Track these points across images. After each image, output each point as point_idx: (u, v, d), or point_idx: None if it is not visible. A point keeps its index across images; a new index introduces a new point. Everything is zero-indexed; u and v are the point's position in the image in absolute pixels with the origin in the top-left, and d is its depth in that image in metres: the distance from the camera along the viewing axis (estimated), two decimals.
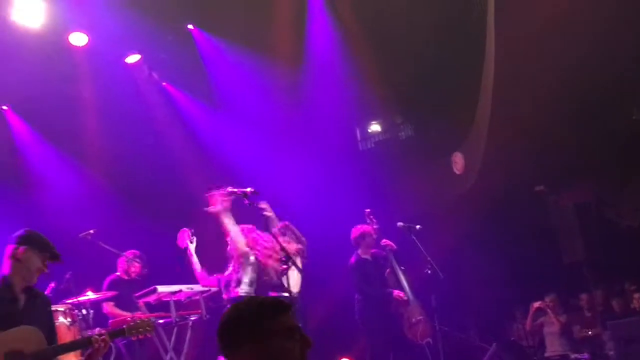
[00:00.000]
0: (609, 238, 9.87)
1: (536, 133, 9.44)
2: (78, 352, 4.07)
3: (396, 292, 7.72)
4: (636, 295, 8.90)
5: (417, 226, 7.62)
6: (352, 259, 7.74)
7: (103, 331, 4.35)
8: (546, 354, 9.12)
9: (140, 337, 4.18)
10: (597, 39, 8.17)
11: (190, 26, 9.33)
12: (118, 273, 7.93)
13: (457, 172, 10.54)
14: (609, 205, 10.21)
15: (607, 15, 7.99)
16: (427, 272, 7.48)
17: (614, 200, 10.24)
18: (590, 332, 9.09)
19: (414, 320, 7.74)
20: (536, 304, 9.29)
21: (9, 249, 3.99)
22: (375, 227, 7.91)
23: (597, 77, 8.87)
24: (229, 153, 9.60)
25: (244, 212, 5.90)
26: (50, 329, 4.06)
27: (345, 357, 9.12)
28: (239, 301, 2.48)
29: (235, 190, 5.31)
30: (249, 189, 5.26)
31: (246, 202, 5.28)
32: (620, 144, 10.08)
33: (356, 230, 7.77)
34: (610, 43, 8.39)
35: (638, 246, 9.73)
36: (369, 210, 8.02)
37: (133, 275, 7.91)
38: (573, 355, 8.78)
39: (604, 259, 9.74)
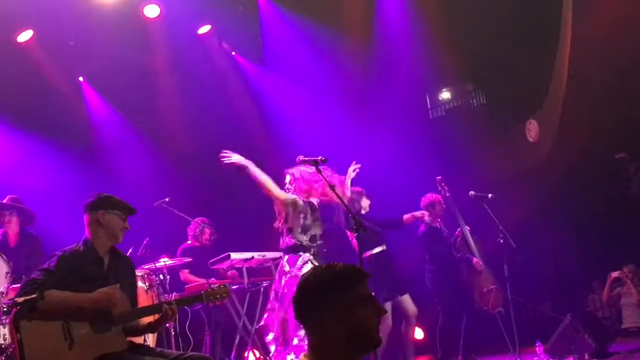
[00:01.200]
0: None
1: (616, 98, 9.08)
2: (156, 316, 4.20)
3: (475, 260, 7.67)
4: None
5: (489, 195, 7.53)
6: (422, 228, 7.69)
7: (172, 299, 4.47)
8: (623, 326, 8.87)
9: (217, 302, 4.28)
10: None
11: None
12: (189, 241, 8.12)
13: (532, 140, 10.29)
14: None
15: None
16: (499, 241, 7.40)
17: None
18: None
19: (485, 289, 7.68)
20: (614, 274, 9.04)
21: (87, 217, 4.12)
22: (447, 194, 7.84)
23: None
24: (300, 124, 9.63)
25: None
26: (133, 291, 4.20)
27: (417, 326, 9.13)
28: (316, 266, 2.52)
29: (307, 158, 5.32)
30: (320, 157, 5.26)
31: (317, 169, 5.28)
32: None
33: (425, 199, 7.71)
34: None
35: None
36: (440, 177, 7.95)
37: (204, 241, 8.09)
38: None
39: None
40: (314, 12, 9.39)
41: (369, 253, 6.78)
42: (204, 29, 9.42)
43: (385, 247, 7.05)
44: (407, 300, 7.04)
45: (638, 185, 9.52)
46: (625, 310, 8.95)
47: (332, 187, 5.16)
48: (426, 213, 7.51)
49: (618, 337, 8.19)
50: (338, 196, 5.15)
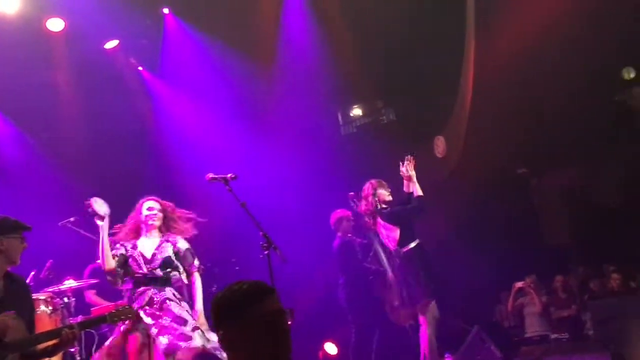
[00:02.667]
0: (590, 219, 9.95)
1: (518, 116, 9.47)
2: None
3: (390, 275, 7.76)
4: (615, 276, 9.02)
5: None
6: (335, 243, 7.75)
7: (75, 323, 4.33)
8: (526, 335, 9.22)
9: (122, 323, 4.16)
10: (579, 23, 8.21)
11: (165, 10, 9.26)
12: (99, 261, 7.85)
13: (439, 156, 10.57)
14: (591, 186, 10.29)
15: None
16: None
17: (596, 182, 10.32)
18: (565, 314, 9.21)
19: (396, 303, 7.77)
20: (518, 284, 9.40)
21: None
22: (358, 210, 7.91)
23: (579, 59, 8.90)
24: (208, 140, 9.54)
25: (226, 198, 5.87)
26: (30, 316, 4.02)
27: (330, 342, 9.16)
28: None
29: (216, 176, 5.28)
30: (229, 175, 5.22)
31: (227, 188, 5.25)
32: (602, 125, 10.14)
33: (335, 215, 7.78)
34: (593, 26, 8.42)
35: (618, 227, 9.83)
36: (352, 193, 8.02)
37: None
38: (553, 336, 8.89)
39: (585, 240, 9.83)
40: (220, 29, 9.35)
41: (406, 248, 6.72)
42: (111, 44, 9.20)
43: (419, 241, 6.91)
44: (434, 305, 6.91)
45: (539, 198, 9.93)
46: (528, 319, 9.31)
47: (243, 205, 5.13)
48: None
49: (522, 345, 8.48)
50: (249, 213, 5.11)
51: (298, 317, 7.04)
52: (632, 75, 10.58)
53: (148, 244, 5.58)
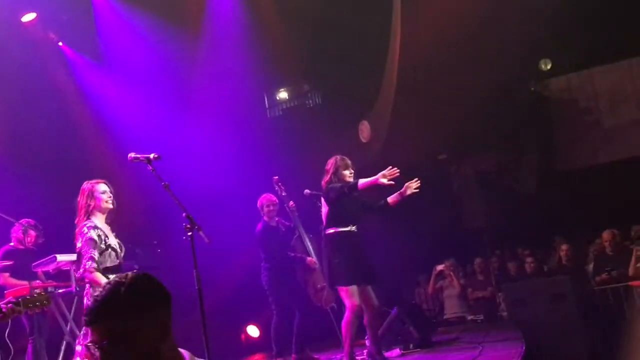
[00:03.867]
0: (507, 204, 10.30)
1: (440, 103, 9.67)
2: None
3: (309, 259, 7.80)
4: (529, 260, 9.38)
5: None
6: (258, 227, 7.74)
7: None
8: (445, 316, 9.51)
9: (36, 310, 4.02)
10: (497, 16, 8.44)
11: None
12: (12, 243, 7.59)
13: (364, 141, 10.69)
14: (508, 172, 10.64)
15: None
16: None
17: (512, 168, 10.68)
18: (481, 295, 9.54)
19: (319, 286, 7.85)
20: (439, 267, 9.66)
21: None
22: (283, 194, 7.92)
23: (497, 50, 9.17)
24: (130, 119, 9.32)
25: (148, 179, 5.77)
26: None
27: (252, 325, 9.19)
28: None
29: (138, 156, 5.14)
30: (152, 155, 5.10)
31: (149, 168, 5.13)
32: (519, 114, 10.50)
33: (261, 199, 7.77)
34: (510, 18, 8.68)
35: (533, 212, 10.24)
36: (277, 177, 8.02)
37: (28, 244, 7.58)
38: (469, 317, 9.20)
39: (502, 224, 10.18)
40: (148, 4, 9.14)
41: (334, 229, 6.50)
42: (29, 17, 8.84)
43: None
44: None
45: (458, 184, 10.19)
46: (447, 302, 9.60)
47: (166, 186, 5.03)
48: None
49: (440, 327, 8.74)
50: (172, 195, 5.03)
51: (221, 300, 7.04)
52: (549, 66, 11.01)
53: (107, 230, 5.31)
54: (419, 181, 6.53)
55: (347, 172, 6.58)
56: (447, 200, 10.35)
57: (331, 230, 6.54)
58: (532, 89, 11.10)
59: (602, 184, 10.18)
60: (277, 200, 7.79)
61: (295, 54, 10.47)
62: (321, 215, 7.29)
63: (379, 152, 10.34)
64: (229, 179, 9.21)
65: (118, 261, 5.17)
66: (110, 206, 5.27)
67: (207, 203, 7.42)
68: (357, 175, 9.54)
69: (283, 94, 12.12)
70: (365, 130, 10.69)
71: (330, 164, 6.65)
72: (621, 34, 10.43)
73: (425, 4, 8.92)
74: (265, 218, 7.70)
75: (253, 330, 8.80)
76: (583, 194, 10.18)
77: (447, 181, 10.89)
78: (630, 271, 8.56)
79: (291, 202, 7.89)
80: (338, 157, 6.72)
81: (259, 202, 7.77)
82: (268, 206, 7.72)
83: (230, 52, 9.84)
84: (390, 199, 6.66)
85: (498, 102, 9.88)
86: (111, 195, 5.30)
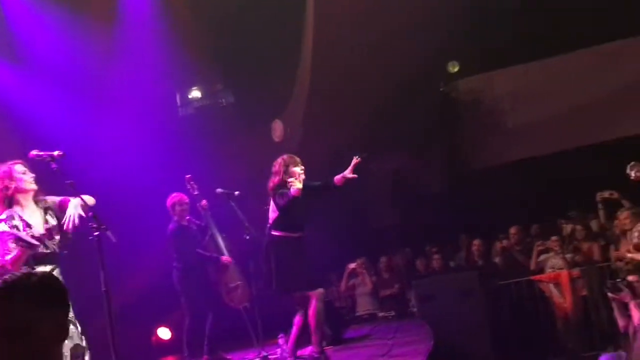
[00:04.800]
0: (416, 203, 10.55)
1: (351, 104, 9.80)
2: None
3: (224, 257, 7.73)
4: (436, 256, 9.65)
5: (236, 192, 7.63)
6: (170, 227, 7.62)
7: None
8: (357, 313, 9.65)
9: None
10: (407, 18, 8.64)
11: None
12: None
13: (277, 140, 10.70)
14: (417, 171, 10.90)
15: None
16: (245, 237, 7.54)
17: (421, 167, 10.95)
18: (389, 292, 9.74)
19: (232, 285, 7.81)
20: (351, 265, 9.78)
21: None
22: (195, 193, 7.81)
23: (407, 52, 9.38)
24: (37, 115, 8.96)
25: (51, 178, 5.56)
26: None
27: (163, 326, 9.03)
28: None
29: (41, 153, 4.93)
30: (56, 152, 4.91)
31: (54, 166, 4.93)
32: (428, 114, 10.79)
33: (171, 198, 7.65)
34: (420, 19, 8.90)
35: (441, 210, 10.54)
36: (189, 176, 7.90)
37: None
38: (381, 314, 9.37)
39: (410, 222, 10.42)
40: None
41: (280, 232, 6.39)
42: None
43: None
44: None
45: (368, 184, 10.33)
46: (360, 299, 9.75)
47: (71, 185, 4.85)
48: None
49: (352, 324, 8.85)
50: (76, 193, 4.86)
51: (131, 302, 6.88)
52: (456, 68, 11.39)
53: (34, 215, 4.92)
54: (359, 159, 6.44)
55: (297, 169, 6.47)
56: (358, 199, 10.48)
57: (277, 233, 6.47)
58: (441, 90, 11.44)
59: (505, 183, 10.59)
60: (187, 200, 7.69)
61: (209, 53, 10.36)
62: (236, 214, 7.27)
63: (291, 151, 10.35)
64: (140, 178, 9.01)
65: (48, 250, 4.80)
66: (34, 186, 4.94)
67: (118, 202, 7.22)
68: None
69: (196, 93, 11.96)
70: (278, 129, 10.70)
71: (278, 164, 6.53)
72: (522, 39, 10.90)
73: (338, 5, 9.01)
74: (176, 218, 7.59)
75: (164, 332, 8.65)
76: (488, 192, 10.56)
77: (358, 180, 11.03)
78: (532, 266, 8.95)
79: (204, 201, 7.80)
80: (285, 156, 6.62)
81: (168, 201, 7.65)
82: (179, 205, 7.61)
83: (143, 49, 9.63)
84: (336, 179, 6.54)
85: (408, 103, 10.11)
86: (32, 175, 4.97)
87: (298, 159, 6.60)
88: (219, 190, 7.59)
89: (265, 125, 10.85)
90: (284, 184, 6.37)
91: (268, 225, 6.59)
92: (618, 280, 6.16)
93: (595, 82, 10.76)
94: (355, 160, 6.47)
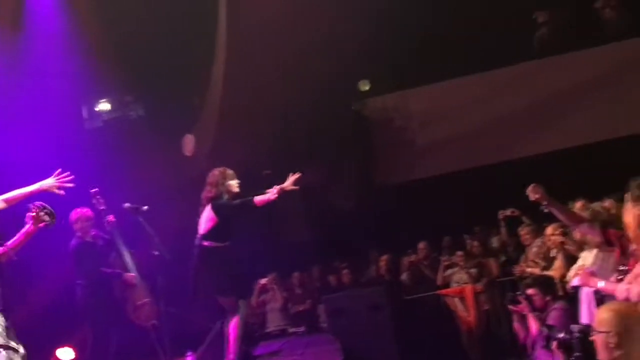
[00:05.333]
0: (328, 219, 10.65)
1: (264, 120, 9.83)
2: None
3: (127, 275, 7.55)
4: (345, 272, 9.76)
5: (144, 207, 7.48)
6: (72, 243, 7.38)
7: None
8: (267, 330, 9.62)
9: None
10: (319, 37, 8.76)
11: None
12: None
13: (188, 154, 10.59)
14: (329, 188, 11.01)
15: (328, 12, 8.60)
16: (154, 253, 7.40)
17: (333, 184, 11.07)
18: (301, 308, 9.78)
19: (139, 302, 7.63)
20: (262, 281, 9.76)
21: None
22: (102, 207, 7.60)
23: (319, 70, 9.51)
24: None
25: None
26: None
27: (66, 346, 8.69)
28: None
29: None
30: None
31: None
32: (340, 131, 10.94)
33: (74, 214, 7.41)
34: (332, 39, 9.05)
35: (352, 226, 10.68)
36: (95, 190, 7.68)
37: None
38: (291, 329, 9.38)
39: (322, 238, 10.50)
40: None
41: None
42: None
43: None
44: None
45: (282, 199, 10.33)
46: (270, 315, 9.73)
47: None
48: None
49: (262, 340, 8.81)
50: None
51: (30, 321, 6.59)
52: (368, 87, 11.64)
53: None
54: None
55: (234, 182, 6.65)
56: (270, 214, 10.48)
57: (211, 244, 6.57)
58: (352, 107, 11.63)
59: (414, 199, 10.85)
60: (91, 215, 7.47)
61: (119, 64, 10.15)
62: (144, 229, 7.12)
63: (203, 166, 10.27)
64: (43, 192, 8.67)
65: None
66: None
67: (21, 216, 6.92)
68: (181, 190, 9.47)
69: (104, 105, 11.67)
70: (189, 143, 10.59)
71: (215, 176, 6.69)
72: (432, 59, 11.26)
73: (253, 21, 9.03)
74: (79, 234, 7.36)
75: (66, 353, 8.33)
76: (397, 208, 10.79)
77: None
78: (439, 280, 9.19)
79: (111, 216, 7.60)
80: (221, 169, 6.77)
81: (70, 217, 7.40)
82: (83, 221, 7.38)
83: (48, 59, 9.34)
84: (257, 200, 6.63)
85: (320, 120, 10.23)
86: None
87: (233, 173, 6.76)
88: (126, 205, 7.41)
89: (176, 139, 10.71)
90: (220, 196, 6.55)
91: (199, 235, 6.70)
92: (517, 293, 6.41)
93: (503, 102, 11.19)
94: (293, 176, 6.86)
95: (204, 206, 6.73)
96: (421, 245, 9.67)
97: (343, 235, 10.60)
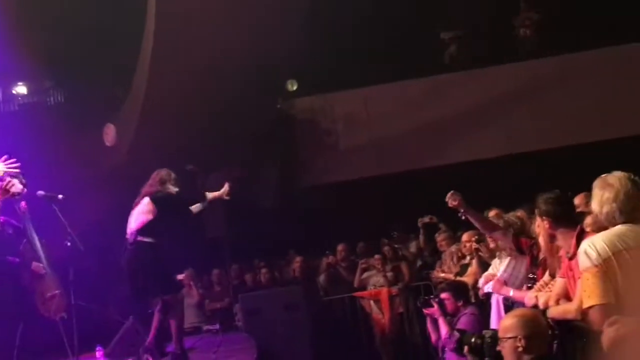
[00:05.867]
0: (247, 217, 10.60)
1: (186, 115, 9.71)
2: None
3: (34, 264, 7.27)
4: (263, 271, 9.74)
5: (60, 196, 7.24)
6: None
7: None
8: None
9: None
10: (247, 31, 8.72)
11: None
12: None
13: (108, 144, 10.34)
14: (250, 186, 10.97)
15: (255, 10, 8.58)
16: (66, 244, 7.17)
17: (254, 182, 11.03)
18: (218, 306, 9.72)
19: (48, 294, 7.37)
20: (179, 277, 9.61)
21: None
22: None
23: (248, 66, 9.46)
24: None
25: None
26: None
27: None
28: None
29: None
30: None
31: None
32: (265, 130, 10.92)
33: None
34: (261, 35, 9.02)
35: (271, 225, 10.68)
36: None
37: None
38: (205, 327, 9.28)
39: (242, 236, 10.44)
40: None
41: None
42: None
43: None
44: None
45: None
46: (185, 311, 9.55)
47: None
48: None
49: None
50: None
51: None
52: (295, 87, 11.68)
53: None
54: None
55: (173, 188, 6.67)
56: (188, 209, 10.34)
57: (146, 240, 6.48)
58: (279, 106, 11.63)
59: (335, 201, 10.94)
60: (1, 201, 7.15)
61: (40, 48, 9.79)
62: (58, 219, 6.89)
63: (123, 157, 10.05)
64: None
65: None
66: None
67: None
68: (98, 181, 9.23)
69: (21, 88, 11.24)
70: (110, 133, 10.33)
71: (161, 175, 6.70)
72: (359, 64, 11.42)
73: (181, 13, 8.89)
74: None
75: None
76: (318, 210, 10.85)
77: (192, 191, 10.91)
78: (356, 282, 9.30)
79: (23, 203, 7.30)
80: (168, 170, 6.79)
81: None
82: None
83: None
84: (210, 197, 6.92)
85: (246, 116, 10.17)
86: None
87: (177, 178, 6.81)
88: (40, 192, 7.15)
89: (97, 128, 10.43)
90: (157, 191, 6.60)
91: (134, 230, 6.59)
92: (430, 297, 6.55)
93: (424, 111, 11.42)
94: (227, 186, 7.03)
95: (139, 200, 6.64)
96: (340, 247, 9.75)
97: (263, 234, 10.58)
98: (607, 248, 3.17)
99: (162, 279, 6.55)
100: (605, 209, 3.31)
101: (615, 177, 3.37)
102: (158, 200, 6.57)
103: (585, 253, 3.22)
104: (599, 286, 3.12)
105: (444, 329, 6.00)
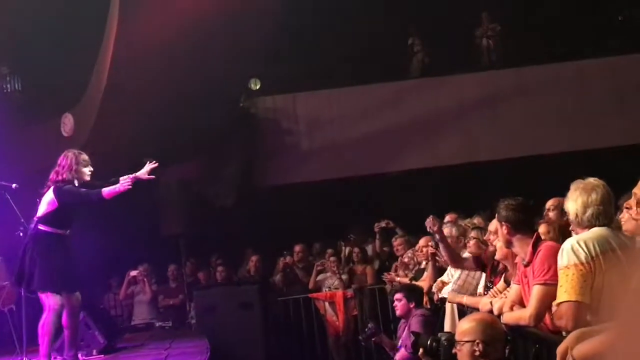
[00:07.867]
0: (205, 215, 10.53)
1: (147, 109, 9.59)
2: None
3: None
4: (220, 269, 9.67)
5: (14, 185, 7.08)
6: None
7: None
8: (133, 322, 9.38)
9: None
10: (211, 27, 8.67)
11: None
12: None
13: (65, 135, 10.14)
14: (208, 184, 10.89)
15: (223, 6, 8.54)
16: (19, 234, 7.01)
17: (213, 180, 10.96)
18: (172, 302, 9.64)
19: None
20: (132, 272, 9.52)
21: None
22: None
23: (211, 62, 9.39)
24: None
25: None
26: None
27: None
28: None
29: None
30: None
31: None
32: (225, 128, 10.85)
33: None
34: (226, 33, 8.97)
35: (229, 223, 10.62)
36: None
37: None
38: (158, 323, 9.18)
39: (199, 234, 10.36)
40: None
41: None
42: None
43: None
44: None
45: (159, 190, 10.12)
46: (137, 308, 9.49)
47: None
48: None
49: (127, 333, 8.56)
50: None
51: None
52: (258, 86, 11.65)
53: None
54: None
55: (86, 170, 6.21)
56: (146, 206, 10.21)
57: (46, 229, 6.11)
58: (241, 104, 11.57)
59: (294, 202, 10.93)
60: None
61: None
62: (11, 208, 6.72)
63: (81, 149, 9.85)
64: None
65: None
66: None
67: None
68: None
69: None
70: (68, 124, 10.13)
71: (67, 158, 6.18)
72: (324, 65, 11.45)
73: (145, 5, 8.78)
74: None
75: None
76: (277, 210, 10.83)
77: (148, 186, 10.78)
78: (311, 284, 9.32)
79: None
80: (75, 151, 6.30)
81: None
82: None
83: None
84: (106, 193, 6.14)
85: (208, 113, 10.09)
86: None
87: (87, 159, 6.32)
88: None
89: (54, 117, 10.22)
90: (69, 181, 6.10)
91: (35, 218, 6.23)
92: (371, 329, 6.71)
93: (386, 116, 11.48)
94: (150, 165, 6.40)
95: (48, 187, 6.29)
96: (297, 247, 9.75)
97: (221, 232, 10.52)
98: (597, 247, 3.20)
99: (56, 274, 6.06)
100: (590, 211, 3.34)
101: (598, 182, 3.42)
102: (59, 191, 6.11)
103: (572, 250, 3.23)
104: (579, 283, 3.15)
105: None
